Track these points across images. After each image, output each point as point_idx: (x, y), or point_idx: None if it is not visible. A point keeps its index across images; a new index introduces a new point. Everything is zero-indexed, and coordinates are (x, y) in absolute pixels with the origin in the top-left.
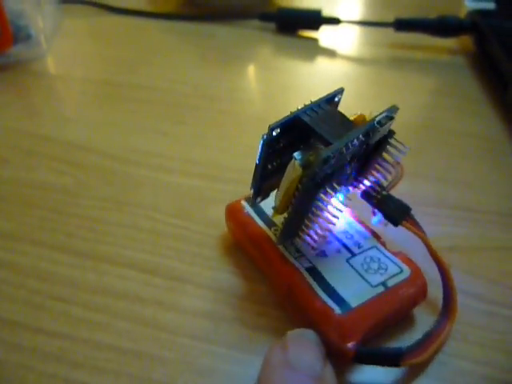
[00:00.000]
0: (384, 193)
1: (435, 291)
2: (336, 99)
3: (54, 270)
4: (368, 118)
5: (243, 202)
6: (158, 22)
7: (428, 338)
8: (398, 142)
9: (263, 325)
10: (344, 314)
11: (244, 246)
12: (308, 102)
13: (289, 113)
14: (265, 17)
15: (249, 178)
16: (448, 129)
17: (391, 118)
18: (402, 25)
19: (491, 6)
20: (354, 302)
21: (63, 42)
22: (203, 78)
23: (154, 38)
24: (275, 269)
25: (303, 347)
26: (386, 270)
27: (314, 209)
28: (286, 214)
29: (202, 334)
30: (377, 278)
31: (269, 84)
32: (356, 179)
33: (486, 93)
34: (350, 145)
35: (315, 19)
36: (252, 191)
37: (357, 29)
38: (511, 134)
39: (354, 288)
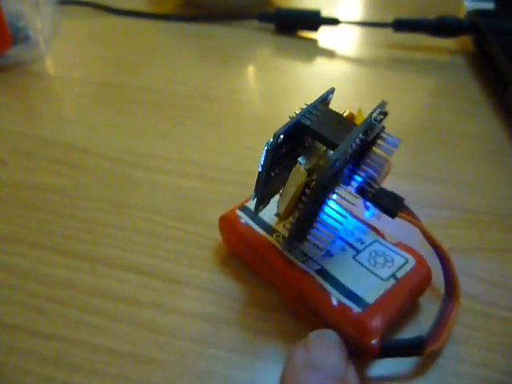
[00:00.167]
0: (377, 187)
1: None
2: (328, 99)
3: (52, 273)
4: (357, 116)
5: (238, 212)
6: (157, 23)
7: (440, 323)
8: (388, 135)
9: (263, 328)
10: (363, 312)
11: (242, 255)
12: (303, 105)
13: (288, 116)
14: (263, 17)
15: (248, 179)
16: (447, 130)
17: (385, 114)
18: (401, 25)
19: (490, 6)
20: (370, 299)
21: (62, 43)
22: (202, 79)
23: (152, 39)
24: (284, 275)
25: (326, 348)
26: (393, 262)
27: (323, 210)
28: (291, 219)
29: (201, 336)
30: (386, 272)
31: (268, 85)
32: (349, 176)
33: (485, 93)
34: (353, 144)
35: (314, 20)
36: (254, 200)
37: (356, 29)
38: (511, 135)
39: (367, 284)
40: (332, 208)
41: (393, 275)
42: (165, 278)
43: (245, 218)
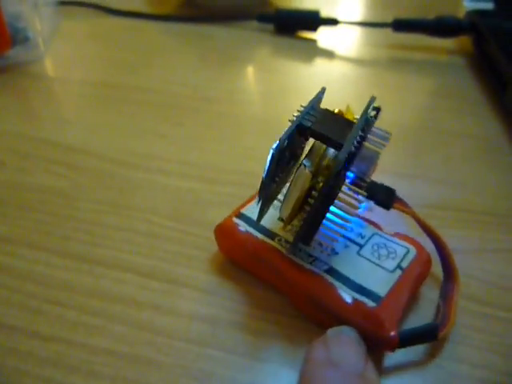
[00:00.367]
0: (368, 180)
1: None
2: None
3: (50, 274)
4: (345, 113)
5: (236, 220)
6: (157, 24)
7: (444, 305)
8: (378, 129)
9: (262, 329)
10: (378, 306)
11: (243, 263)
12: (299, 107)
13: (288, 119)
14: (263, 18)
15: (247, 180)
16: (446, 130)
17: (378, 109)
18: (400, 25)
19: (490, 6)
20: (382, 292)
21: (61, 44)
22: (202, 80)
23: (152, 40)
24: (293, 278)
25: (344, 344)
26: (396, 252)
27: (332, 210)
28: (296, 222)
29: (200, 337)
30: (391, 263)
31: (268, 85)
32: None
33: (484, 93)
34: (355, 142)
35: (313, 20)
36: (259, 205)
37: (355, 29)
38: (510, 135)
39: (376, 278)
40: (343, 206)
41: (398, 266)
42: (163, 278)
43: (243, 226)
